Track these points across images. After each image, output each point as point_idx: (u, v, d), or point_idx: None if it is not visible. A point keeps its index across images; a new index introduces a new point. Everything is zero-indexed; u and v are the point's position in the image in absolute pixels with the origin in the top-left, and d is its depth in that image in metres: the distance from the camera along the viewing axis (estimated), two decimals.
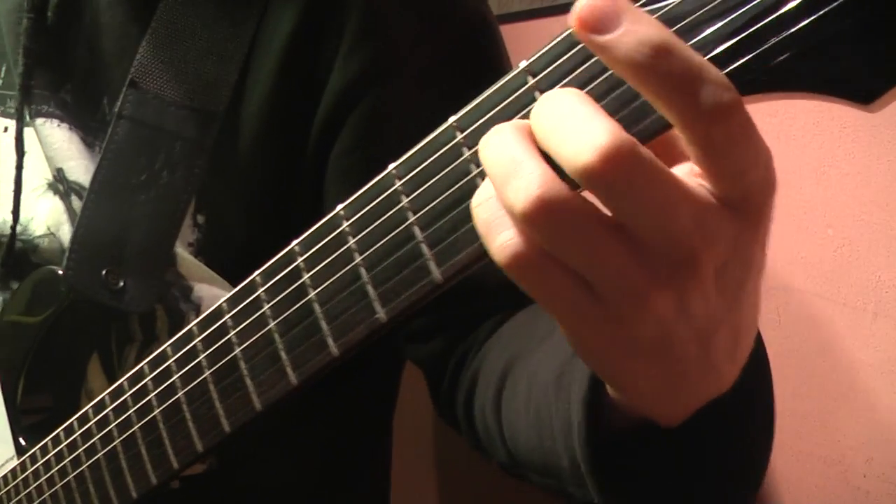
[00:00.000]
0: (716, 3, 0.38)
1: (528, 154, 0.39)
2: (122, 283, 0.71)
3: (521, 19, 1.36)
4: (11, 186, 0.74)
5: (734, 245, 0.39)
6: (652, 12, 0.39)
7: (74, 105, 0.76)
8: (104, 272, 0.71)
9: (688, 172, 0.40)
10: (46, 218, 0.76)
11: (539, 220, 0.38)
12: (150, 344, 0.77)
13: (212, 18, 0.73)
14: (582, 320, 0.40)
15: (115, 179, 0.72)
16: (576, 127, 0.37)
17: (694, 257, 0.38)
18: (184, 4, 0.72)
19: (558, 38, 0.42)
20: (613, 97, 0.40)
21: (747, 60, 0.37)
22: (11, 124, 0.75)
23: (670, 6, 0.39)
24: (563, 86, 0.42)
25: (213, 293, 0.78)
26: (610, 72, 0.40)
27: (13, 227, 0.75)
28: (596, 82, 0.41)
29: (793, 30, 0.36)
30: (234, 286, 0.78)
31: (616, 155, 0.36)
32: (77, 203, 0.76)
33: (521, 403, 0.63)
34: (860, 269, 0.86)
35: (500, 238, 0.40)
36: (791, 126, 0.88)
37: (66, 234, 0.77)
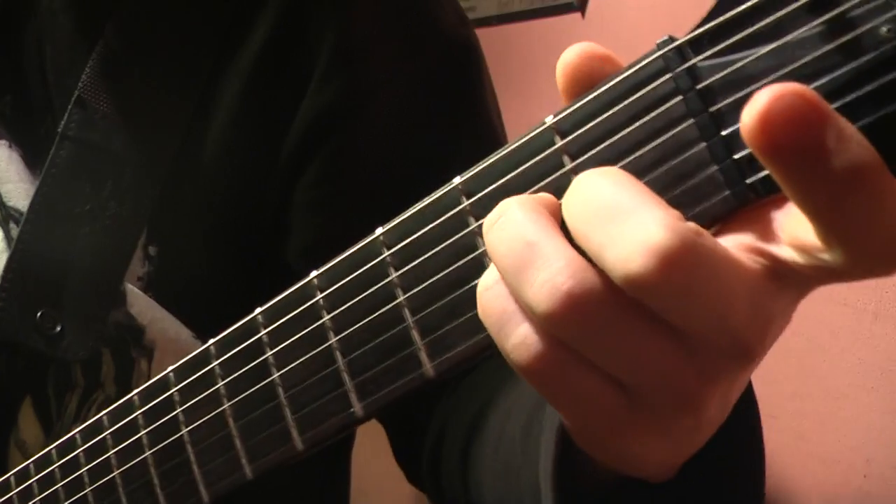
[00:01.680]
0: (819, 53, 0.29)
1: (548, 236, 0.31)
2: (59, 328, 0.62)
3: (521, 19, 1.32)
4: None
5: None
6: (725, 64, 0.31)
7: (14, 119, 0.67)
8: (39, 314, 0.62)
9: (739, 247, 0.32)
10: None
11: (568, 321, 0.30)
12: (92, 391, 0.68)
13: (169, 35, 0.64)
14: (607, 420, 0.33)
15: (55, 207, 0.63)
16: (623, 221, 0.29)
17: (750, 348, 0.31)
18: (139, 17, 0.64)
19: (593, 94, 0.34)
20: (664, 171, 0.32)
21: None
22: None
23: (747, 59, 0.31)
24: (600, 152, 0.33)
25: (167, 337, 0.69)
26: (664, 137, 0.32)
27: None
28: (641, 151, 0.33)
29: None
30: (189, 327, 0.70)
31: (675, 256, 0.28)
32: (16, 231, 0.67)
33: (489, 458, 0.56)
34: None
35: (517, 335, 0.32)
36: None
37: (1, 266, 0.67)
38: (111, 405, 0.64)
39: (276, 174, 0.68)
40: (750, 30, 0.31)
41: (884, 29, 0.29)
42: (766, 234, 0.31)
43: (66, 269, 0.63)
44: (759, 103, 0.26)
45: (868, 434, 0.91)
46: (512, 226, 0.32)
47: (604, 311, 0.30)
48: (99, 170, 0.63)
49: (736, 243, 0.31)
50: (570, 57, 0.33)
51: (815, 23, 0.30)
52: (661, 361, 0.31)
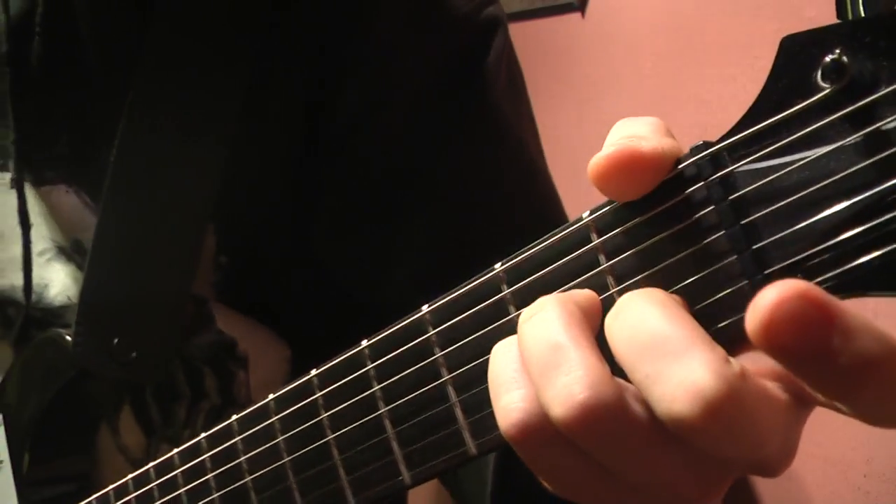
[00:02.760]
0: (855, 168, 0.29)
1: (576, 343, 0.32)
2: (134, 354, 0.66)
3: (522, 19, 1.32)
4: (15, 250, 0.69)
5: None
6: (759, 173, 0.31)
7: (72, 158, 0.70)
8: (115, 341, 0.66)
9: (771, 373, 0.32)
10: (64, 286, 0.71)
11: (578, 430, 0.31)
12: (199, 400, 0.72)
13: (206, 55, 0.66)
14: (586, 496, 0.34)
15: (118, 238, 0.66)
16: (671, 359, 0.29)
17: (779, 470, 0.32)
18: (172, 43, 0.65)
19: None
20: (696, 280, 0.32)
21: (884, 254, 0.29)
22: (3, 177, 0.70)
23: (782, 171, 0.31)
24: (635, 254, 0.34)
25: (257, 345, 0.72)
26: (697, 246, 0.32)
27: (26, 303, 0.70)
28: (675, 258, 0.33)
29: None
30: (270, 328, 0.73)
31: (720, 404, 0.28)
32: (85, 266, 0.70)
33: None
34: None
35: (510, 398, 0.33)
36: None
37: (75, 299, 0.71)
38: (217, 415, 0.67)
39: (317, 166, 0.69)
40: (788, 139, 0.31)
41: None
42: None
43: (135, 295, 0.66)
44: (762, 307, 0.25)
45: (868, 434, 0.90)
46: (545, 325, 0.33)
47: (617, 426, 0.30)
48: (153, 199, 0.65)
49: (768, 368, 0.31)
50: (598, 165, 0.33)
51: (853, 137, 0.29)
52: (670, 476, 0.31)
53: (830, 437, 0.94)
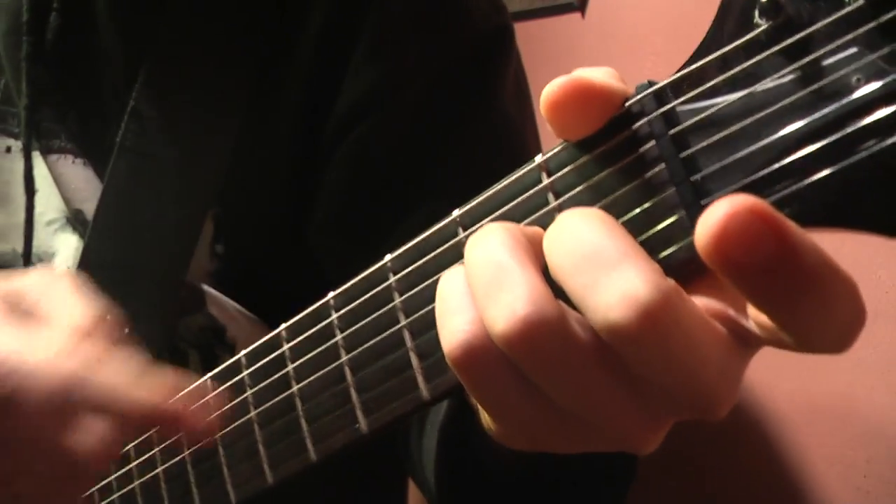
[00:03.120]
0: (791, 99, 0.30)
1: (520, 263, 0.32)
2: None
3: (522, 19, 1.32)
4: (23, 216, 0.70)
5: None
6: (699, 110, 0.32)
7: (80, 133, 0.71)
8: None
9: (708, 311, 0.32)
10: (68, 256, 0.72)
11: (520, 346, 0.31)
12: None
13: (216, 39, 0.67)
14: (528, 426, 0.34)
15: (118, 216, 0.67)
16: (606, 269, 0.29)
17: (718, 406, 0.32)
18: (186, 26, 0.67)
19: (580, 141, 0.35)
20: (637, 213, 0.33)
21: (828, 176, 0.29)
22: (13, 144, 0.71)
23: (721, 104, 0.31)
24: (583, 191, 0.34)
25: (245, 332, 0.73)
26: (639, 180, 0.33)
27: (25, 266, 0.71)
28: (617, 193, 0.34)
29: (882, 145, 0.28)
30: (262, 320, 0.74)
31: (656, 311, 0.28)
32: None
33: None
34: (860, 268, 0.82)
35: (455, 321, 0.33)
36: None
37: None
38: None
39: (318, 160, 0.70)
40: (725, 75, 0.31)
41: (854, 78, 0.29)
42: (732, 301, 0.32)
43: (132, 274, 0.67)
44: (713, 220, 0.26)
45: (868, 434, 0.91)
46: (490, 246, 0.33)
47: (558, 346, 0.31)
48: (157, 178, 0.66)
49: (704, 306, 0.32)
50: (551, 93, 0.34)
51: (787, 69, 0.30)
52: (610, 403, 0.32)
53: (830, 438, 0.95)
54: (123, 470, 0.57)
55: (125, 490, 0.57)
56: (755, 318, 0.30)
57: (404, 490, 0.95)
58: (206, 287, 0.71)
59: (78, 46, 0.70)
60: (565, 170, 0.35)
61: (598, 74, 0.34)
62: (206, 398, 0.51)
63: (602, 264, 0.30)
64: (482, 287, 0.32)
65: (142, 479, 0.56)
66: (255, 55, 0.68)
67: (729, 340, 0.32)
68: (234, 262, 0.72)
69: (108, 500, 0.58)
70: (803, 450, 0.97)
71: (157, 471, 0.54)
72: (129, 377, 0.46)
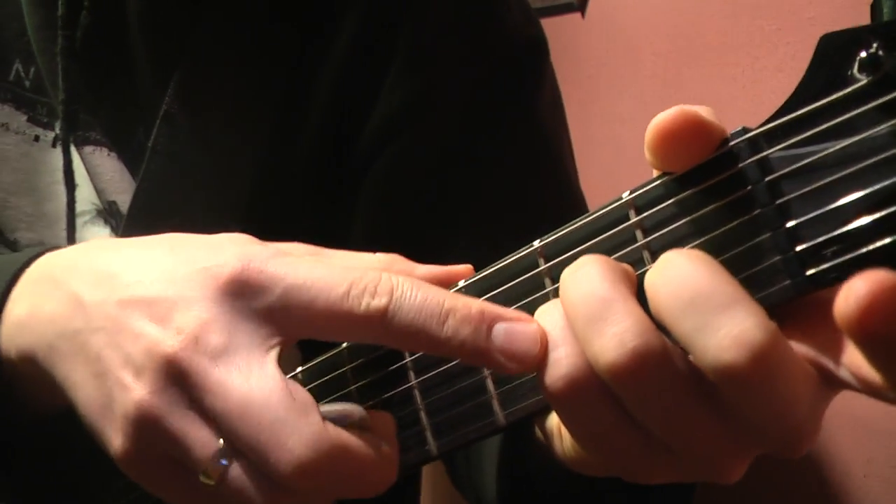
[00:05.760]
0: (888, 153, 0.31)
1: (620, 294, 0.33)
2: None
3: None
4: (50, 206, 0.70)
5: None
6: (795, 158, 0.33)
7: (111, 132, 0.71)
8: None
9: (798, 352, 0.34)
10: None
11: (626, 378, 0.32)
12: None
13: (249, 45, 0.67)
14: (617, 455, 0.36)
15: (149, 220, 0.67)
16: (717, 311, 0.31)
17: (801, 446, 0.34)
18: (219, 32, 0.66)
19: (665, 178, 0.36)
20: (730, 256, 0.34)
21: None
22: (42, 133, 0.71)
23: (817, 154, 0.32)
24: (674, 231, 0.36)
25: None
26: (732, 224, 0.34)
27: None
28: (710, 235, 0.35)
29: None
30: None
31: (765, 353, 0.30)
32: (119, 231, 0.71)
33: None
34: None
35: (556, 355, 0.35)
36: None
37: None
38: None
39: (350, 171, 0.71)
40: (823, 126, 0.33)
41: None
42: (826, 348, 0.33)
43: None
44: (859, 293, 0.27)
45: (868, 434, 0.91)
46: (589, 280, 0.34)
47: (662, 378, 0.32)
48: (187, 183, 0.66)
49: (795, 349, 0.33)
50: (663, 123, 0.34)
51: (885, 124, 0.31)
52: (704, 435, 0.33)
53: (830, 438, 0.95)
54: None
55: None
56: (856, 370, 0.32)
57: (417, 486, 0.96)
58: None
59: (108, 46, 0.70)
60: (655, 208, 0.36)
61: (702, 110, 0.35)
62: None
63: (713, 306, 0.31)
64: (584, 320, 0.33)
65: None
66: (286, 64, 0.68)
67: (819, 381, 0.33)
68: None
69: None
70: None
71: None
72: None
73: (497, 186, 0.66)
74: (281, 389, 0.37)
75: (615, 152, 1.29)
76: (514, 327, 0.37)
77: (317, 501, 0.39)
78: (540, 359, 0.35)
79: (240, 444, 0.37)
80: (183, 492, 0.40)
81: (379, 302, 0.38)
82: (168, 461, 0.39)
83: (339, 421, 0.39)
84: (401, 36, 0.67)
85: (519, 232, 0.68)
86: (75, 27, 0.68)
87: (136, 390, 0.38)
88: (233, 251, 0.41)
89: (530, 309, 0.39)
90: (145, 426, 0.38)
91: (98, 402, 0.40)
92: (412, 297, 0.38)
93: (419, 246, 0.68)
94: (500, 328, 0.37)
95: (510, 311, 0.38)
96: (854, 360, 0.31)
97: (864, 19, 0.91)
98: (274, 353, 0.39)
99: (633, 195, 0.37)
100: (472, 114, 0.67)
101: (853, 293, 0.27)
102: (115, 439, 0.39)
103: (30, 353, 0.44)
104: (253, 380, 0.37)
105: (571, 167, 0.72)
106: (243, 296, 0.39)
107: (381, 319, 0.38)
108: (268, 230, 0.71)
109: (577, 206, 0.70)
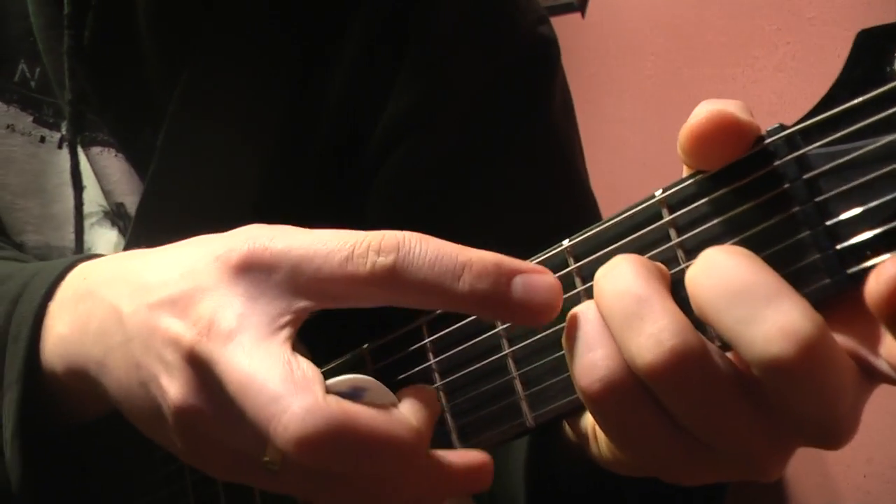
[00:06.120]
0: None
1: (656, 293, 0.33)
2: None
3: None
4: (58, 208, 0.69)
5: None
6: (833, 155, 0.32)
7: (119, 132, 0.70)
8: None
9: (841, 345, 0.34)
10: (107, 251, 0.71)
11: (665, 377, 0.32)
12: None
13: (258, 44, 0.66)
14: (656, 456, 0.35)
15: (157, 220, 0.66)
16: (762, 303, 0.30)
17: (843, 438, 0.33)
18: (229, 31, 0.66)
19: (699, 177, 0.36)
20: (768, 254, 0.34)
21: None
22: (48, 134, 0.70)
23: (856, 152, 0.32)
24: (709, 229, 0.35)
25: None
26: (769, 222, 0.34)
27: None
28: (747, 233, 0.34)
29: None
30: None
31: (814, 345, 0.30)
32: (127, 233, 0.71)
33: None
34: None
35: (593, 356, 0.34)
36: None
37: None
38: None
39: (361, 175, 0.70)
40: (861, 123, 0.32)
41: None
42: (865, 341, 0.33)
43: None
44: (889, 273, 0.27)
45: (868, 434, 0.89)
46: (625, 277, 0.34)
47: (702, 376, 0.32)
48: (196, 184, 0.66)
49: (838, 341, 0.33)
50: (697, 122, 0.34)
51: None
52: (746, 432, 0.33)
53: None
54: None
55: None
56: (893, 360, 0.31)
57: None
58: None
59: (114, 46, 0.69)
60: (689, 206, 0.36)
61: (736, 108, 0.34)
62: None
63: (758, 298, 0.31)
64: (621, 319, 0.33)
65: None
66: (295, 66, 0.67)
67: (860, 374, 0.33)
68: None
69: None
70: (803, 449, 0.99)
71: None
72: None
73: (508, 188, 0.65)
74: (282, 366, 0.37)
75: (615, 152, 1.29)
76: (532, 279, 0.36)
77: (344, 485, 0.38)
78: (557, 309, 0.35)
79: (250, 423, 0.36)
80: (257, 479, 0.39)
81: (385, 259, 0.37)
82: (230, 452, 0.39)
83: (353, 396, 0.38)
84: (411, 37, 0.67)
85: (531, 233, 0.68)
86: (82, 26, 0.68)
87: (172, 392, 0.38)
88: (240, 236, 0.41)
89: (561, 309, 0.39)
90: (191, 424, 0.38)
91: (149, 411, 0.40)
92: (422, 252, 0.37)
93: None
94: (518, 280, 0.36)
95: (525, 263, 0.37)
96: (892, 350, 0.31)
97: (864, 19, 0.92)
98: (285, 332, 0.38)
99: (666, 193, 0.37)
100: (482, 115, 0.67)
101: (883, 274, 0.27)
102: (177, 442, 0.39)
103: (80, 369, 0.44)
104: (256, 359, 0.37)
105: (583, 168, 0.71)
106: (253, 275, 0.39)
107: (391, 277, 0.37)
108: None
109: (590, 207, 0.69)
